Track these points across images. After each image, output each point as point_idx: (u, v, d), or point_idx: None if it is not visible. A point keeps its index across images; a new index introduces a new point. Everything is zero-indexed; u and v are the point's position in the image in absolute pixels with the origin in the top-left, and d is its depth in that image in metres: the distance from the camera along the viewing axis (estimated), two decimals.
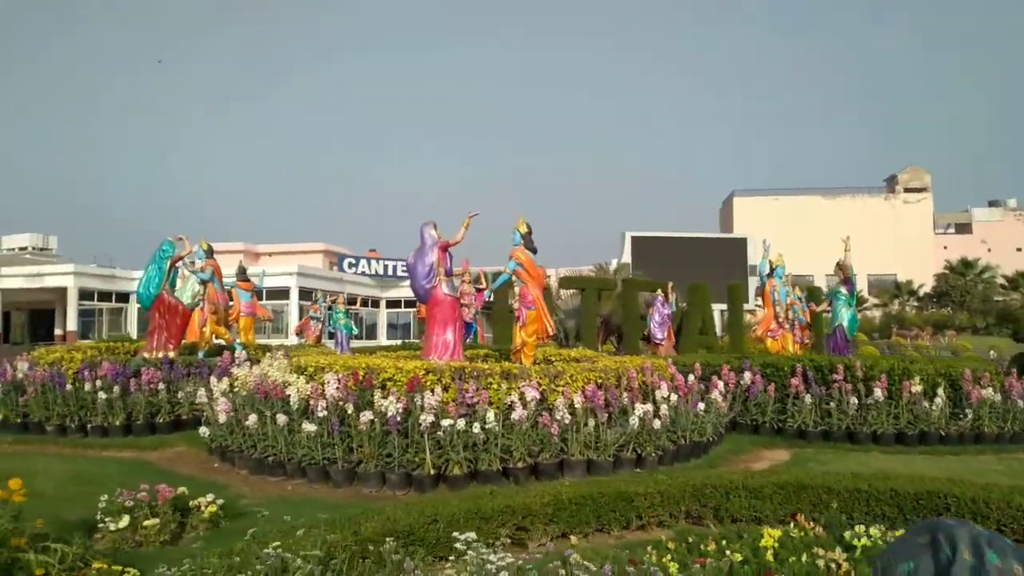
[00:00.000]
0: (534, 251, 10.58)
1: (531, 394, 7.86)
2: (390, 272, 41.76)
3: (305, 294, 35.67)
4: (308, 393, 8.29)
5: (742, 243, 56.45)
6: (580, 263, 43.36)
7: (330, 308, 22.33)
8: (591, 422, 7.97)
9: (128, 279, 36.51)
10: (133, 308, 36.46)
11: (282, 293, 35.44)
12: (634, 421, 7.98)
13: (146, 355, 12.36)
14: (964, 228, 63.70)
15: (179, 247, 13.02)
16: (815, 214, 63.19)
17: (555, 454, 7.75)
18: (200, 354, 13.29)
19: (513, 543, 5.53)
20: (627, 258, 56.18)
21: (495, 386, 8.16)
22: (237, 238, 51.41)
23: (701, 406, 9.06)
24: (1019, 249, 60.99)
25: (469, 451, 7.55)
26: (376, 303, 41.85)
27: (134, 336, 36.08)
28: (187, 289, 17.68)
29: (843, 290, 13.36)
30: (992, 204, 64.12)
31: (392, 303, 42.40)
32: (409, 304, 42.15)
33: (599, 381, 8.58)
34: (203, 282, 13.68)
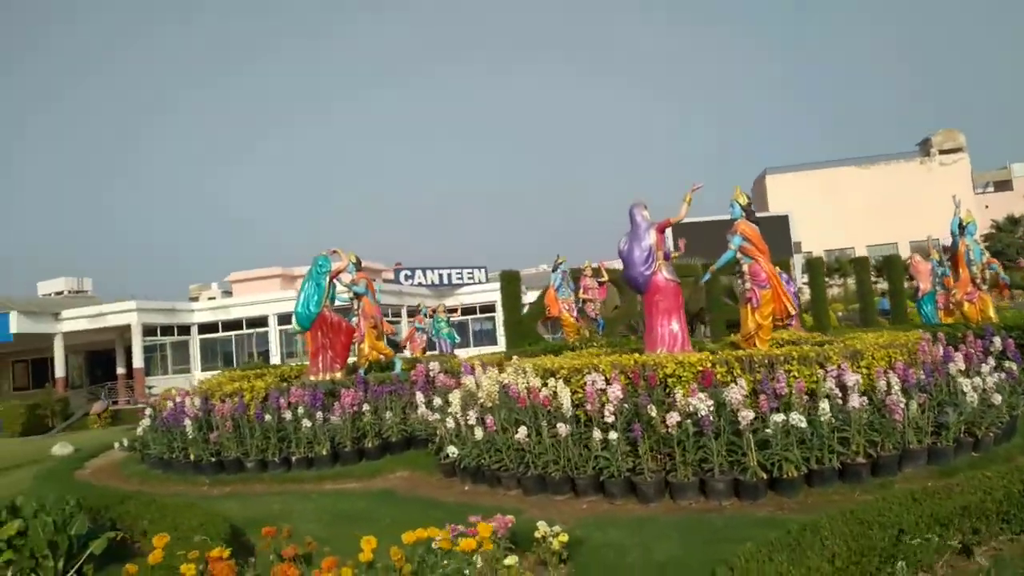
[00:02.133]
0: (756, 223, 9.70)
1: (852, 379, 6.94)
2: (445, 281, 40.93)
3: None
4: (582, 397, 7.41)
5: (784, 220, 55.13)
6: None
7: (431, 317, 21.46)
8: (913, 404, 7.03)
9: (187, 311, 35.79)
10: (196, 340, 35.72)
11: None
12: (972, 398, 7.05)
13: (312, 378, 11.48)
14: (1004, 185, 62.57)
15: (335, 260, 12.15)
16: (850, 185, 62.12)
17: (896, 444, 6.82)
18: (360, 372, 12.42)
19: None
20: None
21: (795, 373, 7.26)
22: (270, 263, 50.80)
23: (992, 379, 8.08)
24: None
25: (801, 448, 6.62)
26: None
27: (198, 368, 35.46)
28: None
29: None
30: None
31: (449, 311, 41.48)
32: (467, 312, 41.35)
33: (899, 359, 7.66)
34: (358, 296, 12.78)
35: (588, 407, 7.25)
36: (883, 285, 30.36)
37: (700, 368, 7.36)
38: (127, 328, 33.10)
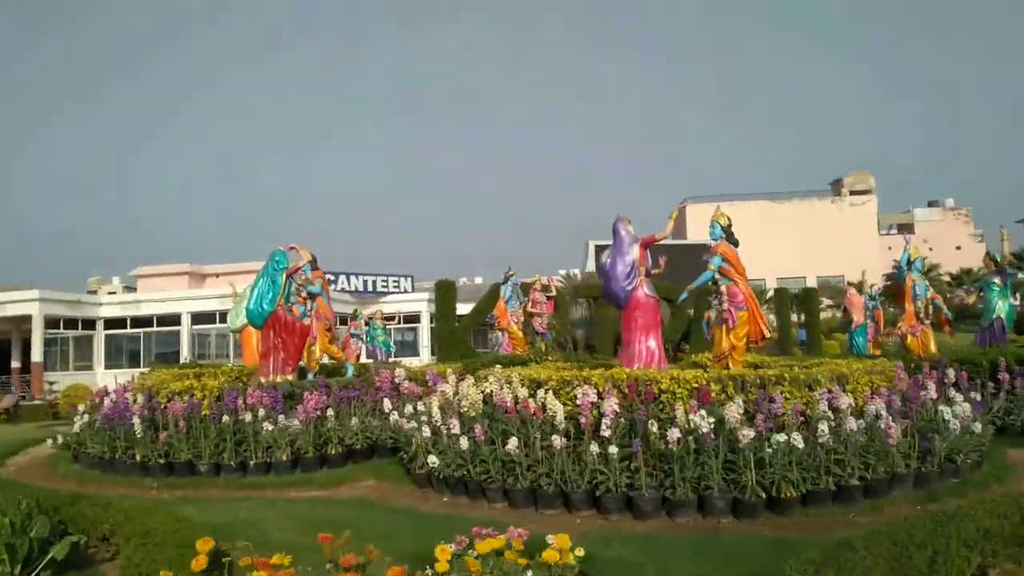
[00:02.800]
0: (736, 244, 9.81)
1: (845, 401, 7.02)
2: (369, 288, 40.16)
3: None
4: (573, 410, 7.25)
5: (702, 248, 57.15)
6: (544, 272, 42.94)
7: (367, 324, 20.87)
8: (897, 430, 7.16)
9: (94, 304, 33.89)
10: (101, 336, 33.82)
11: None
12: (955, 426, 7.23)
13: (263, 379, 10.90)
14: (906, 228, 66.17)
15: (293, 257, 11.60)
16: (766, 219, 64.39)
17: (888, 467, 6.91)
18: (310, 375, 11.91)
19: None
20: (591, 267, 56.12)
21: (786, 394, 7.29)
22: (180, 259, 48.68)
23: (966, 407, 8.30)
24: (958, 247, 63.69)
25: (798, 469, 6.63)
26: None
27: (102, 366, 33.58)
28: (240, 312, 16.13)
29: (996, 281, 12.96)
30: (931, 204, 66.87)
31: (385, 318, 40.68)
32: (388, 319, 40.51)
33: (882, 385, 7.82)
34: (312, 296, 12.23)
35: (582, 420, 7.07)
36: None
37: (696, 385, 7.30)
38: (26, 319, 31.04)
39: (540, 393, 7.55)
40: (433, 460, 7.66)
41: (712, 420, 6.59)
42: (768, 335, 9.66)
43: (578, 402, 7.18)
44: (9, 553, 5.34)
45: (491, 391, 8.03)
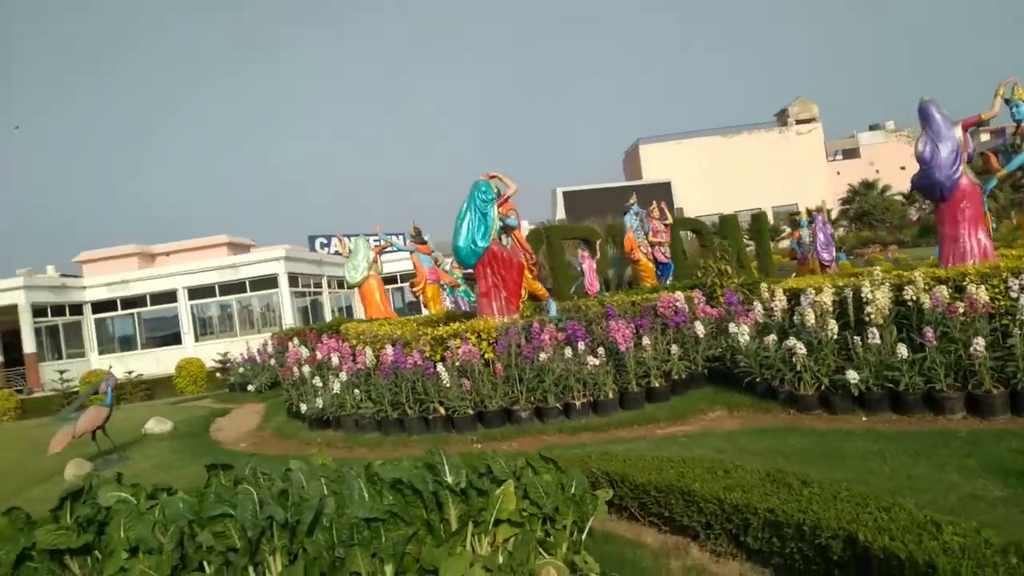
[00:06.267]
0: None
1: None
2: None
3: (292, 279, 31.93)
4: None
5: (666, 187, 57.39)
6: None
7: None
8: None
9: (78, 287, 31.15)
10: (90, 320, 31.21)
11: (269, 282, 31.46)
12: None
13: (459, 325, 9.79)
14: (852, 153, 67.98)
15: (500, 186, 10.38)
16: (716, 153, 65.11)
17: None
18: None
19: None
20: (561, 213, 55.58)
21: None
22: (127, 240, 45.55)
23: None
24: (903, 168, 65.74)
25: None
26: None
27: (95, 352, 31.10)
28: (360, 263, 14.85)
29: None
30: (873, 128, 68.71)
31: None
32: (387, 281, 39.00)
33: None
34: (509, 229, 10.98)
35: None
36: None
37: None
38: (7, 310, 28.24)
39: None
40: (853, 375, 6.77)
41: None
42: None
43: None
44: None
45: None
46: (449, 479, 4.30)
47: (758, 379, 7.76)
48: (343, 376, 8.77)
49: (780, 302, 8.18)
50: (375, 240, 26.82)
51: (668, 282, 15.97)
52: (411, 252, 14.98)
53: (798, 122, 65.93)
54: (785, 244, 43.75)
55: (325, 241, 37.17)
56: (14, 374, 29.32)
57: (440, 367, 7.91)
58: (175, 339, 31.69)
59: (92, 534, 3.94)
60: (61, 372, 25.67)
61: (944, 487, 4.86)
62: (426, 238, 15.42)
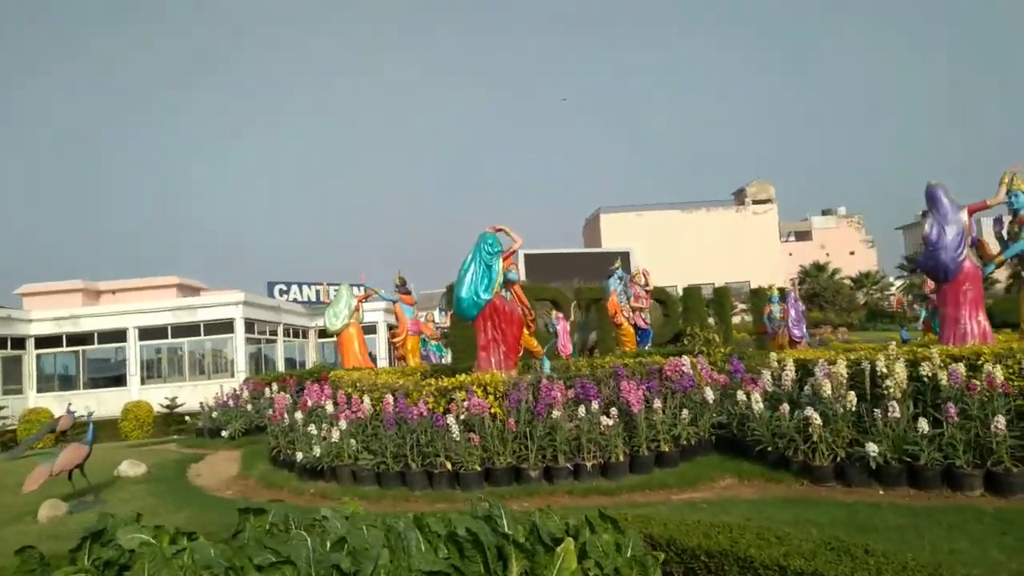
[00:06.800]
0: None
1: None
2: (320, 298, 37.82)
3: (249, 326, 31.16)
4: None
5: (626, 255, 58.20)
6: None
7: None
8: None
9: (24, 320, 29.85)
10: (31, 356, 29.84)
11: (224, 326, 30.62)
12: None
13: (465, 377, 9.60)
14: (804, 235, 70.05)
15: (504, 241, 10.32)
16: (675, 227, 66.51)
17: None
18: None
19: None
20: (522, 276, 55.80)
21: None
22: (70, 276, 44.19)
23: None
24: (852, 252, 68.06)
25: None
26: (305, 333, 37.57)
27: (33, 389, 29.68)
28: (341, 310, 14.58)
29: None
30: (825, 212, 71.09)
31: (323, 332, 38.33)
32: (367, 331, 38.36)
33: None
34: (510, 283, 10.85)
35: None
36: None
37: None
38: None
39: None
40: (873, 448, 6.74)
41: None
42: None
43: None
44: None
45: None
46: (503, 533, 4.10)
47: (770, 448, 7.70)
48: (342, 424, 8.42)
49: (790, 372, 8.19)
50: (358, 288, 26.45)
51: (647, 348, 15.98)
52: (394, 302, 14.75)
53: (755, 202, 67.84)
54: (737, 320, 44.44)
55: (285, 288, 36.48)
56: None
57: (450, 419, 7.65)
58: (119, 380, 30.46)
59: None
60: (0, 408, 24.35)
61: (991, 564, 4.80)
62: (410, 288, 15.23)
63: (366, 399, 8.72)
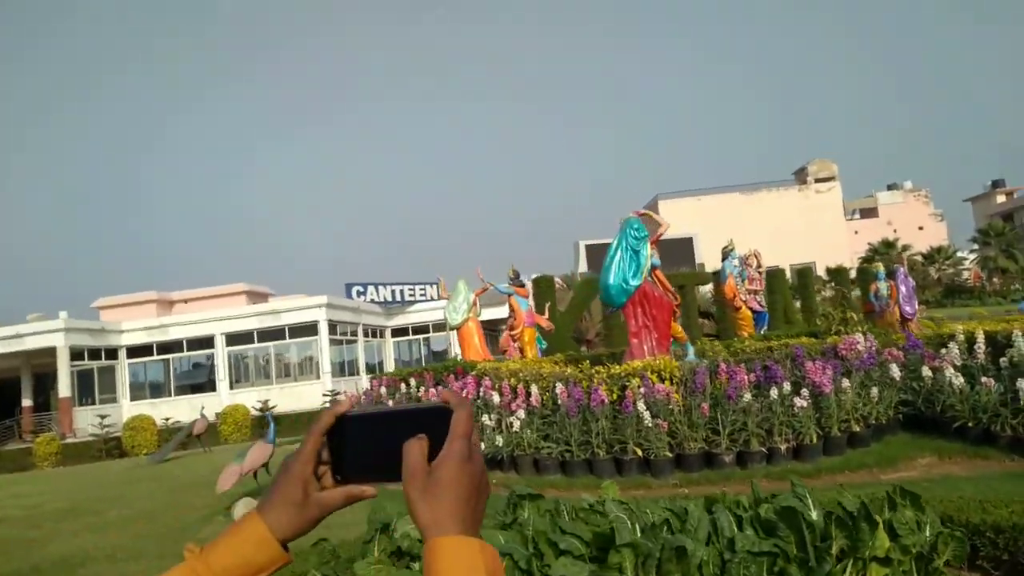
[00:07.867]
0: None
1: None
2: (396, 298, 38.04)
3: (331, 327, 31.47)
4: None
5: (688, 241, 57.42)
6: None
7: None
8: None
9: (116, 331, 30.61)
10: (124, 365, 30.60)
11: (308, 329, 30.98)
12: None
13: (640, 364, 9.39)
14: (870, 212, 68.26)
15: (649, 224, 10.12)
16: (736, 210, 65.39)
17: None
18: None
19: None
20: (583, 266, 55.40)
21: None
22: (145, 287, 45.20)
23: None
24: (920, 227, 66.13)
25: None
26: (382, 332, 37.86)
27: (127, 398, 30.40)
28: (460, 304, 14.54)
29: None
30: (891, 187, 69.18)
31: (398, 331, 38.62)
32: (419, 331, 38.61)
33: None
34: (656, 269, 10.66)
35: None
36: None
37: None
38: (46, 352, 27.67)
39: None
40: None
41: None
42: None
43: None
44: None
45: None
46: (813, 514, 3.95)
47: (970, 424, 7.36)
48: (521, 414, 8.31)
49: (981, 344, 7.83)
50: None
51: (764, 331, 15.61)
52: (510, 295, 14.64)
53: (817, 180, 66.38)
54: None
55: (362, 289, 36.75)
56: (43, 418, 28.67)
57: (641, 405, 7.48)
58: (204, 387, 31.11)
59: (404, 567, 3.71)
60: (102, 417, 25.00)
61: None
62: (524, 281, 15.11)
63: (533, 388, 8.60)
